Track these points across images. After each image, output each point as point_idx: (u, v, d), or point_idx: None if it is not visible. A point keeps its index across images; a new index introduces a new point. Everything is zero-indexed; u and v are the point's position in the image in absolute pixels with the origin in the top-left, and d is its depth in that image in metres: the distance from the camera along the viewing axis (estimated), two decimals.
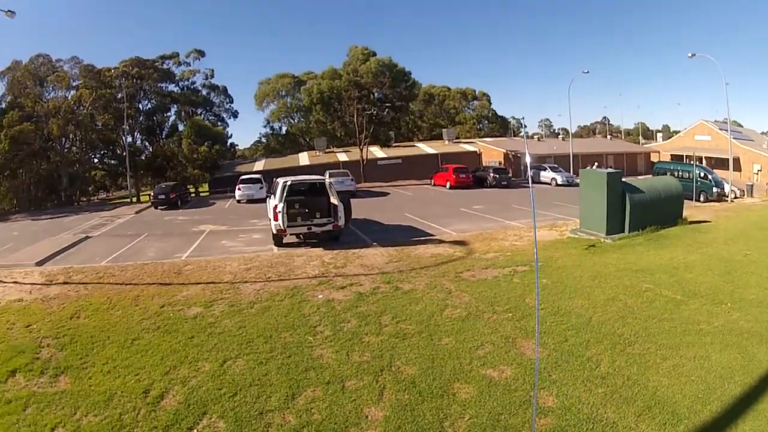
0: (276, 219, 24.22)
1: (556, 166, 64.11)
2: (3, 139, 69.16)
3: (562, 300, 14.71)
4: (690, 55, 52.11)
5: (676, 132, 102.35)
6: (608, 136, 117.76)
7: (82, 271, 21.96)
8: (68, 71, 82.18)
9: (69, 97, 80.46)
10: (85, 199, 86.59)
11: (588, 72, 71.49)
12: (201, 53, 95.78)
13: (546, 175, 61.32)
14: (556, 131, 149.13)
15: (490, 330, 12.53)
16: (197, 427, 9.20)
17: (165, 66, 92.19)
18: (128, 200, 72.31)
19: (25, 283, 20.61)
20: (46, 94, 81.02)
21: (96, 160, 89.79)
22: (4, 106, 76.89)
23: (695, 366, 10.38)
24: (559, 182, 58.63)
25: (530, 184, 6.72)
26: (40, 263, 24.56)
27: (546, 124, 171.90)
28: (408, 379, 10.38)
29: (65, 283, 20.06)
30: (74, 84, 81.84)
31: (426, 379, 10.32)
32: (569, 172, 62.09)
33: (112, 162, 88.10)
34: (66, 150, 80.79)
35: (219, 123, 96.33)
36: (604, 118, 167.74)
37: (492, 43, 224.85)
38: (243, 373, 11.10)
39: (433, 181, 61.96)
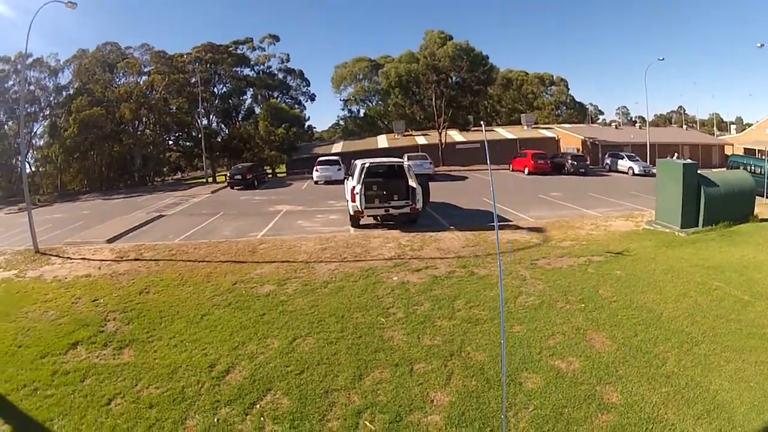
0: (354, 200, 24.08)
1: (633, 154, 62.24)
2: (72, 124, 72.86)
3: (634, 293, 14.27)
4: (759, 45, 50.57)
5: (749, 125, 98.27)
6: (684, 126, 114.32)
7: (154, 248, 22.29)
8: (139, 57, 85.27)
9: (141, 83, 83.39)
10: (159, 180, 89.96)
11: (663, 59, 69.37)
12: (275, 38, 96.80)
13: (623, 164, 59.84)
14: (633, 119, 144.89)
15: (562, 320, 12.44)
16: (260, 403, 9.46)
17: (239, 51, 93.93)
18: (204, 180, 73.75)
19: (93, 260, 20.97)
20: (117, 80, 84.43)
21: (171, 142, 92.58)
22: (71, 92, 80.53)
23: (755, 372, 10.03)
24: (636, 171, 56.94)
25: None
26: (110, 240, 24.90)
27: (623, 112, 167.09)
28: (477, 365, 10.42)
29: (136, 259, 20.41)
30: (145, 70, 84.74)
31: (494, 366, 10.29)
32: (646, 161, 60.49)
33: (188, 144, 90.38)
34: (139, 133, 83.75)
35: (296, 106, 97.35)
36: (680, 107, 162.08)
37: (568, 27, 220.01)
38: (312, 352, 11.26)
39: (511, 167, 60.95)
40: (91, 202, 51.60)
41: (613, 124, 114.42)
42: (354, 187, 24.04)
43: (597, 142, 73.63)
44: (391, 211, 24.46)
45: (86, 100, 74.21)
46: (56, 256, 22.22)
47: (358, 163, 25.87)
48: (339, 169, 50.42)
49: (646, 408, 8.78)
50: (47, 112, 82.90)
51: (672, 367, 10.08)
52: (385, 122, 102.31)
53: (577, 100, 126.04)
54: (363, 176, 24.27)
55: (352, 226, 25.36)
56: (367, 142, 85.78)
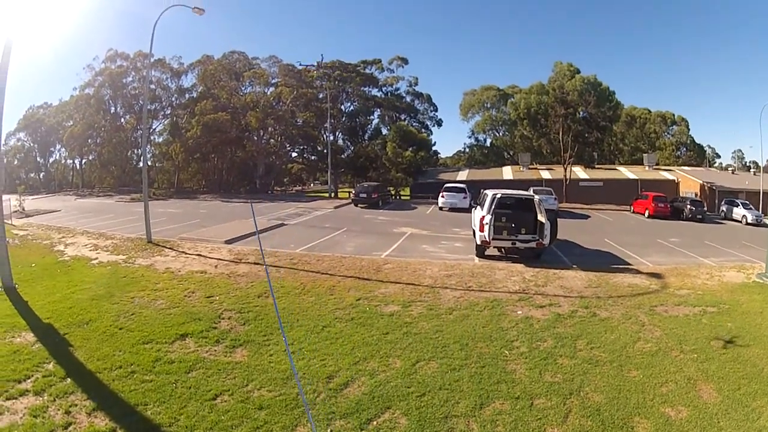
0: (482, 230, 23.91)
1: (747, 202, 60.54)
2: (195, 125, 77.08)
3: (742, 347, 14.12)
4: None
5: None
6: None
7: (275, 254, 23.08)
8: (266, 69, 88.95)
9: (268, 93, 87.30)
10: (280, 189, 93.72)
11: None
12: (404, 60, 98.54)
13: (738, 211, 58.09)
14: (747, 163, 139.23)
15: (675, 368, 12.50)
16: (377, 420, 9.48)
17: (367, 71, 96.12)
18: (326, 195, 75.70)
19: (210, 258, 21.54)
20: (243, 88, 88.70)
21: (295, 154, 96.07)
22: (195, 95, 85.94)
23: None
24: (749, 221, 55.38)
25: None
26: (229, 242, 25.39)
27: (738, 156, 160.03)
28: (594, 405, 10.49)
29: (256, 263, 20.80)
30: (272, 81, 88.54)
31: (610, 408, 10.43)
32: (759, 209, 58.53)
33: (312, 157, 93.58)
34: (264, 142, 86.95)
35: (423, 130, 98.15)
36: None
37: (690, 65, 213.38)
38: (434, 376, 11.28)
39: (632, 208, 61.12)
40: (209, 202, 54.08)
41: (729, 168, 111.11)
42: (483, 216, 23.85)
43: (714, 188, 72.09)
44: (518, 244, 24.23)
45: (211, 104, 78.27)
46: (170, 248, 22.92)
47: (489, 193, 25.79)
48: (465, 197, 50.37)
49: None
50: (168, 111, 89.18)
51: (764, 422, 10.19)
52: (511, 153, 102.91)
53: (697, 141, 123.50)
54: (494, 207, 24.05)
55: (477, 255, 25.12)
56: (492, 172, 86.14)
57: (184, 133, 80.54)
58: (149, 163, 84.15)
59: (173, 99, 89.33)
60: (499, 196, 24.56)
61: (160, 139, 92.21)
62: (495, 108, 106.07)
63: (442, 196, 51.23)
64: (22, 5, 20.72)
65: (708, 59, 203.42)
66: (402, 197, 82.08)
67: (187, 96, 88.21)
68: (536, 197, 25.59)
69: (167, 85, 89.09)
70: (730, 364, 12.70)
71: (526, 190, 40.10)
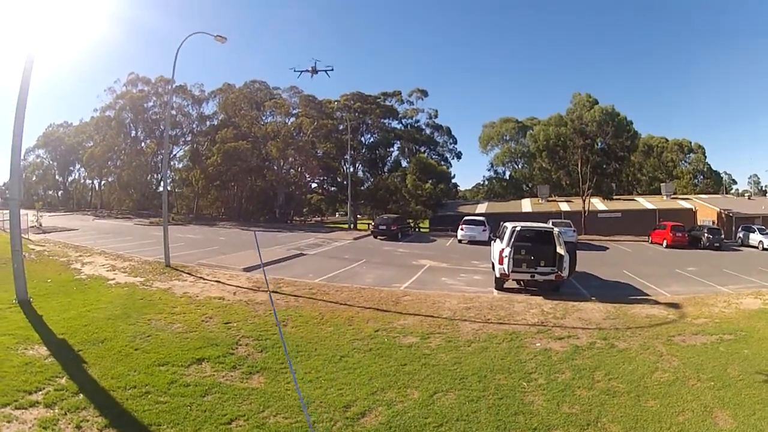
0: (501, 263, 23.89)
1: (764, 227, 60.85)
2: (215, 153, 78.05)
3: (757, 372, 14.22)
4: None
5: None
6: None
7: (294, 284, 23.23)
8: (287, 99, 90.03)
9: (289, 123, 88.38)
10: (299, 219, 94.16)
11: None
12: (424, 93, 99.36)
13: (754, 237, 58.19)
14: (764, 188, 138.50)
15: (692, 397, 12.49)
16: None
17: (387, 103, 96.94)
18: (346, 226, 76.05)
19: (228, 284, 21.59)
20: (263, 117, 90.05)
21: (315, 185, 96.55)
22: (216, 123, 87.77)
23: None
24: (766, 246, 55.16)
25: None
26: (247, 270, 25.36)
27: (755, 181, 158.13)
28: None
29: (274, 291, 20.89)
30: (293, 112, 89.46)
31: None
32: None
33: (332, 188, 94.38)
34: (284, 171, 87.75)
35: (442, 162, 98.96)
36: None
37: (705, 90, 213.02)
38: (452, 407, 11.15)
39: (650, 239, 61.75)
40: (228, 230, 54.52)
41: (746, 194, 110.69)
42: (503, 249, 23.93)
43: (731, 215, 72.89)
44: (537, 276, 24.22)
45: (231, 132, 79.35)
46: (188, 273, 23.02)
47: (509, 225, 25.93)
48: (484, 230, 50.73)
49: None
50: (189, 138, 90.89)
51: None
52: (530, 186, 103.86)
53: (714, 168, 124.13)
54: (513, 240, 24.13)
55: (496, 288, 25.09)
56: (510, 204, 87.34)
57: (205, 160, 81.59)
58: (169, 188, 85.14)
59: (194, 126, 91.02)
60: (518, 228, 24.69)
61: (180, 165, 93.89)
62: (514, 140, 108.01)
63: (462, 229, 51.61)
64: (45, 22, 21.06)
65: (723, 84, 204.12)
66: (421, 230, 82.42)
67: (208, 123, 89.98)
68: (555, 230, 25.71)
69: (188, 111, 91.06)
70: (746, 390, 12.84)
71: (545, 222, 40.16)
